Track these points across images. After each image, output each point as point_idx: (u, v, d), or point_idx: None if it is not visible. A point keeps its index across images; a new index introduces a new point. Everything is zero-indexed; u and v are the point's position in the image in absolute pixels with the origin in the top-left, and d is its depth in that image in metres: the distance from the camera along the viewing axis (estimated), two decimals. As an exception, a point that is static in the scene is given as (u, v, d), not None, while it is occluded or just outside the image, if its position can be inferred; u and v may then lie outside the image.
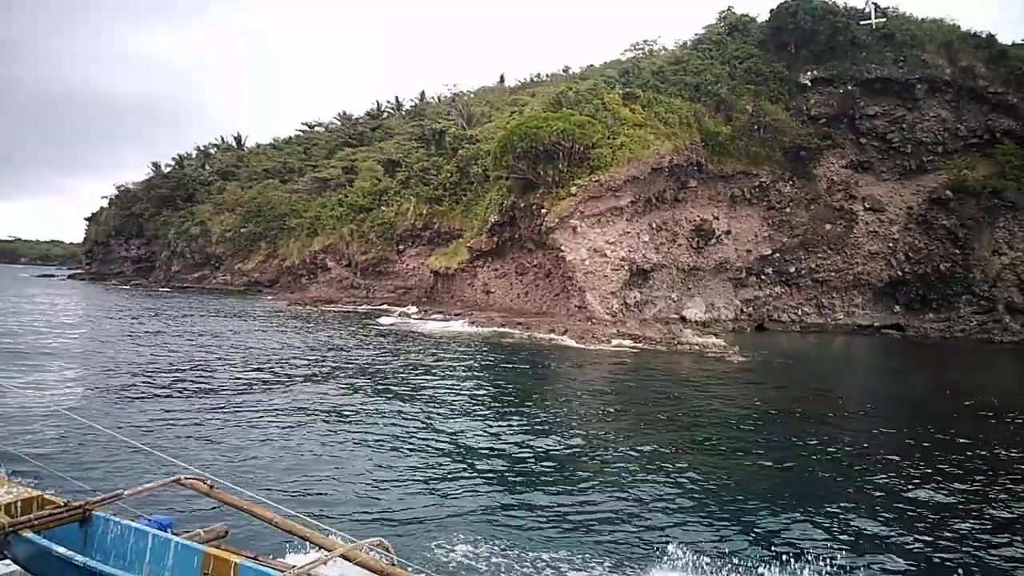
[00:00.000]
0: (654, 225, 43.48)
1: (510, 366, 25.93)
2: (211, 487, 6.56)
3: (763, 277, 52.44)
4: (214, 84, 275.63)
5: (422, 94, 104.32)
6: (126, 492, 6.71)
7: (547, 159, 39.12)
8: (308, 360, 24.87)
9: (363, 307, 52.08)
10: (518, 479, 12.13)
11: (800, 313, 53.87)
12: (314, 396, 18.19)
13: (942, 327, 52.33)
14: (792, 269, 52.91)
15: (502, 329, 35.98)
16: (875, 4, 58.13)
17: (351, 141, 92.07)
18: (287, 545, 7.31)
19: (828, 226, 53.40)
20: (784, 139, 50.71)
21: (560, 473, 12.54)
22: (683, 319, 44.54)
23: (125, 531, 6.11)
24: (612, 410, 19.20)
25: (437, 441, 14.28)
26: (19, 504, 6.43)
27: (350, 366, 23.95)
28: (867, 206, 54.22)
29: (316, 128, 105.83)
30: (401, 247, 56.25)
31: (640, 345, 30.78)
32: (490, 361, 26.82)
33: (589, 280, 38.73)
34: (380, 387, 20.26)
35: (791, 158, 51.23)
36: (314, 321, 41.10)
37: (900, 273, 53.71)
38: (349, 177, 73.01)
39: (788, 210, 51.95)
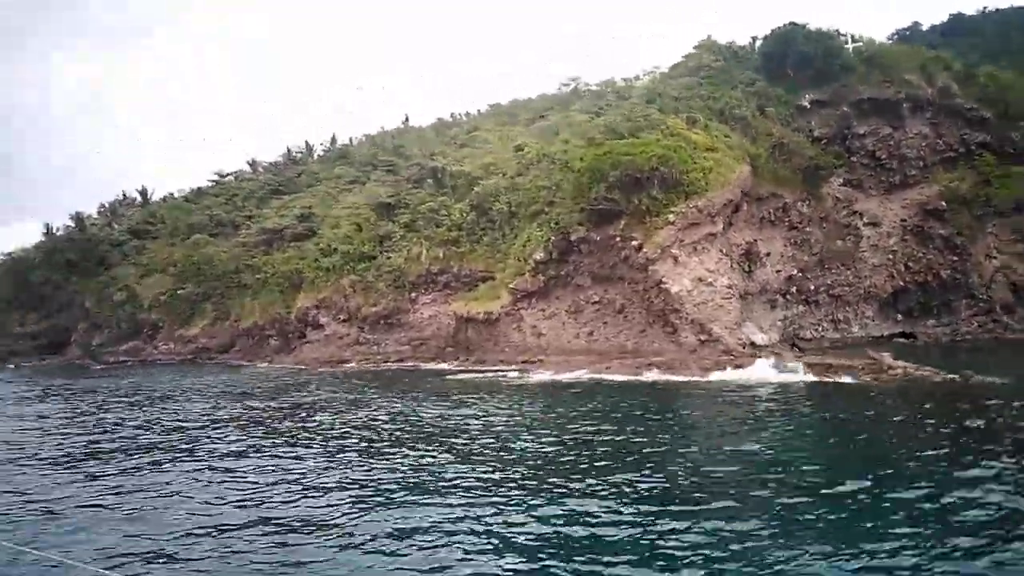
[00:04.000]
0: (722, 250, 42.19)
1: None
2: None
3: (788, 297, 52.50)
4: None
5: (333, 138, 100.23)
6: None
7: (638, 187, 36.85)
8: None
9: (384, 365, 46.78)
10: None
11: (820, 330, 54.33)
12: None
13: (947, 331, 54.43)
14: (812, 287, 53.39)
15: (642, 377, 32.28)
16: (836, 30, 61.06)
17: (280, 189, 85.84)
18: None
19: (839, 242, 54.58)
20: (800, 160, 51.40)
21: None
22: (752, 344, 43.24)
23: None
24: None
25: None
26: None
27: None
28: (866, 221, 56.05)
29: (228, 178, 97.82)
30: (414, 295, 51.51)
31: (865, 377, 27.60)
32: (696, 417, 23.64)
33: (703, 311, 36.54)
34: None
35: (808, 178, 51.95)
36: (393, 388, 35.87)
37: (902, 283, 55.58)
38: (307, 226, 67.31)
39: (808, 229, 52.53)
